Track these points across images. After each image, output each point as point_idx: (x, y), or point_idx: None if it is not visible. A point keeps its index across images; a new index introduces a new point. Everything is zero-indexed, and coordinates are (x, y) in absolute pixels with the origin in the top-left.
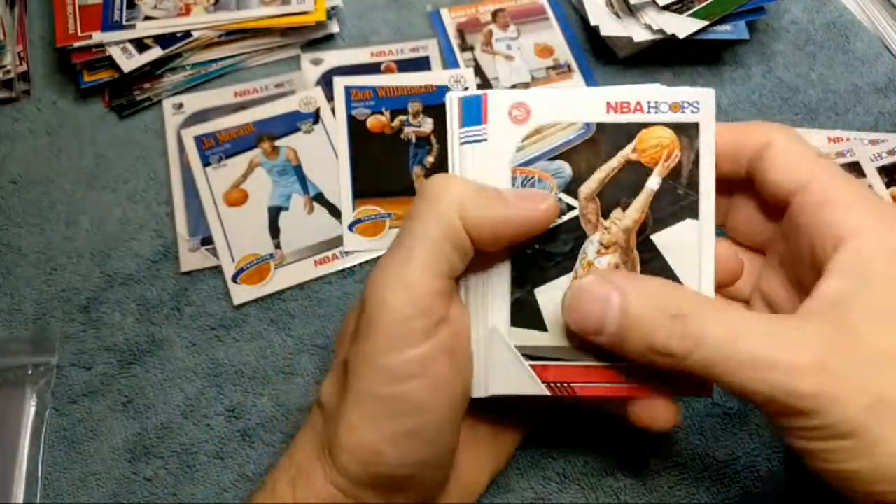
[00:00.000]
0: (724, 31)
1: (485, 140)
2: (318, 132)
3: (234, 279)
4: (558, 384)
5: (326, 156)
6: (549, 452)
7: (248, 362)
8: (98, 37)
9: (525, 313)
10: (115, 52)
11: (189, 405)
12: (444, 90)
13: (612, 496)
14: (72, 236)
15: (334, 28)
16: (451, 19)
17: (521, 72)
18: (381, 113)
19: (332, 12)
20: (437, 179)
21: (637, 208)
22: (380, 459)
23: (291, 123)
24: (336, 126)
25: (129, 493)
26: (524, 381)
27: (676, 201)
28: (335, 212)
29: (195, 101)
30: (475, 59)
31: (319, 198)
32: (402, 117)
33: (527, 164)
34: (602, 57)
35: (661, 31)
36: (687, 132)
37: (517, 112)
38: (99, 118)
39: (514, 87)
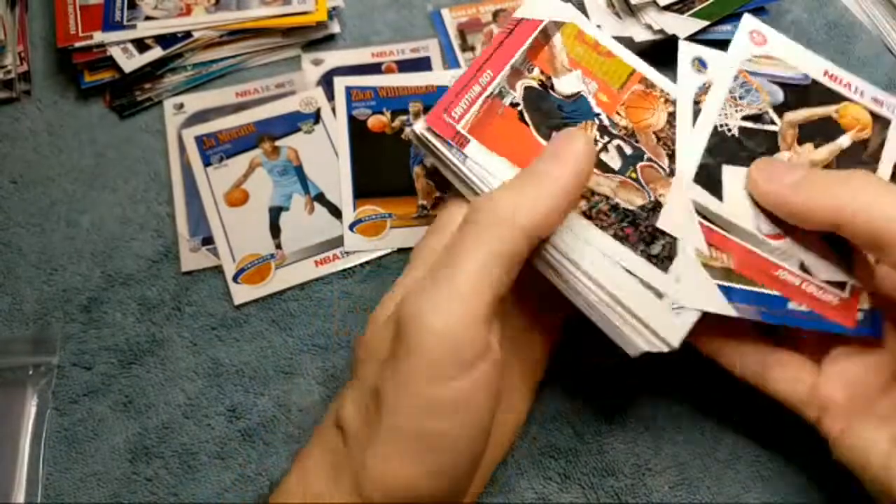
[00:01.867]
0: (725, 31)
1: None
2: (319, 132)
3: (235, 279)
4: (716, 248)
5: (327, 156)
6: (550, 452)
7: (249, 362)
8: (99, 37)
9: (707, 178)
10: (115, 53)
11: (190, 405)
12: (444, 90)
13: (613, 496)
14: (72, 236)
15: (335, 28)
16: (451, 19)
17: None
18: (382, 113)
19: (332, 12)
20: (480, 202)
21: (827, 150)
22: (414, 494)
23: (292, 123)
24: (337, 126)
25: (129, 493)
26: (693, 233)
27: (857, 165)
28: (336, 212)
29: (196, 102)
30: None
31: (320, 198)
32: (403, 117)
33: (751, 73)
34: None
35: (661, 32)
36: (880, 122)
37: (757, 36)
38: (99, 118)
39: None
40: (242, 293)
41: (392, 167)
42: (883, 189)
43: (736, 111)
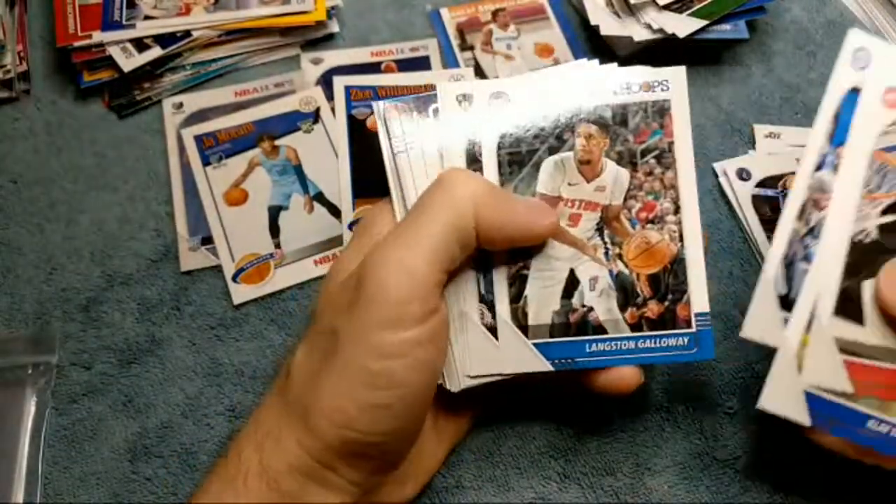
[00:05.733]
0: (724, 30)
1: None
2: (318, 132)
3: (234, 279)
4: (864, 384)
5: (326, 155)
6: (549, 452)
7: (249, 362)
8: (98, 36)
9: (848, 305)
10: (115, 52)
11: (189, 405)
12: None
13: (612, 496)
14: (72, 236)
15: (334, 28)
16: (450, 19)
17: (521, 71)
18: None
19: (332, 12)
20: (456, 173)
21: None
22: (352, 425)
23: (291, 123)
24: (336, 125)
25: (129, 492)
26: (837, 376)
27: None
28: (335, 211)
29: (195, 101)
30: (475, 59)
31: (319, 197)
32: None
33: (888, 150)
34: (602, 56)
35: (660, 31)
36: None
37: (890, 96)
38: (99, 118)
39: None
40: (242, 293)
41: None
42: None
43: (873, 208)
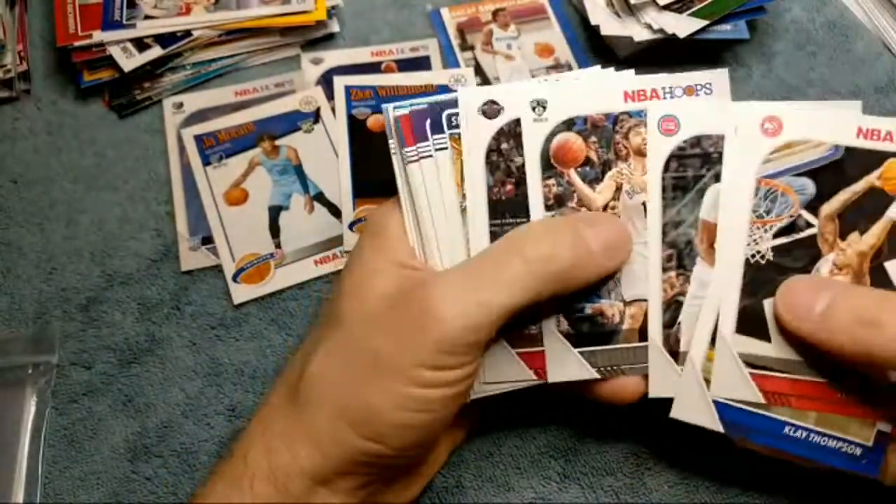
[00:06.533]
0: (725, 30)
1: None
2: (319, 131)
3: (235, 278)
4: (776, 395)
5: (327, 155)
6: (549, 452)
7: (249, 361)
8: (98, 36)
9: (752, 322)
10: (115, 52)
11: (189, 404)
12: (444, 90)
13: (612, 496)
14: (72, 236)
15: (334, 27)
16: (451, 19)
17: (521, 71)
18: (382, 112)
19: (332, 12)
20: (536, 240)
21: (875, 234)
22: (381, 440)
23: (292, 123)
24: (336, 125)
25: (129, 492)
26: (745, 388)
27: None
28: (335, 211)
29: (195, 101)
30: (475, 59)
31: (320, 197)
32: None
33: (772, 176)
34: (602, 57)
35: (661, 31)
36: None
37: (769, 125)
38: (99, 118)
39: None
40: (242, 292)
41: (391, 166)
42: None
43: (765, 231)
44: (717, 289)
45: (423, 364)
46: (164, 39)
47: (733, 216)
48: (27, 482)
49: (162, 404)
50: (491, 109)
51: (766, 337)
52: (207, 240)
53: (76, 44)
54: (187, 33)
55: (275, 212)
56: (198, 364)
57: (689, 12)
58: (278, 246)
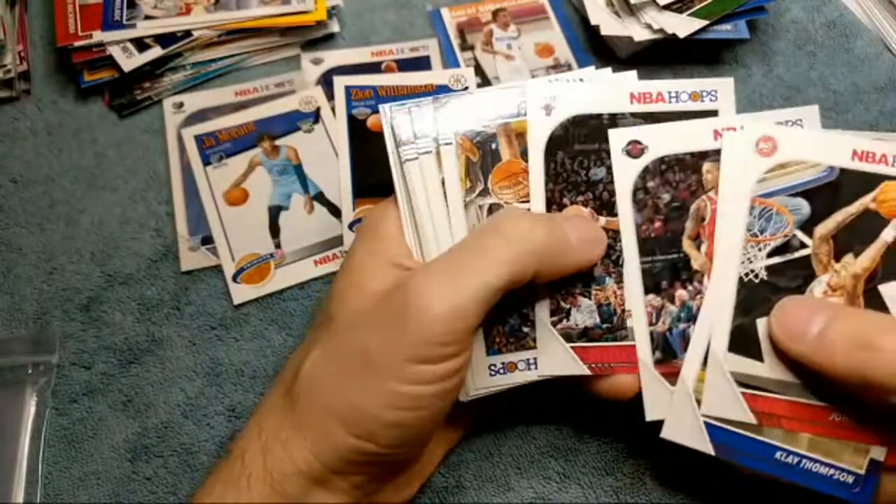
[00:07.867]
0: (725, 30)
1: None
2: (319, 131)
3: (235, 278)
4: (767, 416)
5: (327, 155)
6: (549, 452)
7: (249, 361)
8: (98, 36)
9: (745, 341)
10: (115, 52)
11: (189, 404)
12: (444, 89)
13: (612, 495)
14: (72, 236)
15: (334, 27)
16: (451, 19)
17: (521, 71)
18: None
19: (332, 12)
20: (515, 221)
21: (869, 256)
22: (373, 439)
23: (292, 123)
24: (336, 125)
25: (129, 492)
26: (736, 408)
27: None
28: (335, 211)
29: (195, 101)
30: (475, 59)
31: (320, 197)
32: None
33: (767, 195)
34: (602, 56)
35: (661, 31)
36: None
37: (764, 145)
38: (99, 118)
39: None
40: (242, 293)
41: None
42: None
43: (759, 250)
44: (710, 307)
45: (411, 359)
46: (164, 39)
47: (728, 233)
48: (27, 482)
49: (162, 404)
50: (635, 149)
51: (758, 356)
52: (207, 240)
53: (76, 44)
54: (187, 33)
55: (275, 212)
56: (198, 364)
57: (689, 12)
58: (278, 246)
